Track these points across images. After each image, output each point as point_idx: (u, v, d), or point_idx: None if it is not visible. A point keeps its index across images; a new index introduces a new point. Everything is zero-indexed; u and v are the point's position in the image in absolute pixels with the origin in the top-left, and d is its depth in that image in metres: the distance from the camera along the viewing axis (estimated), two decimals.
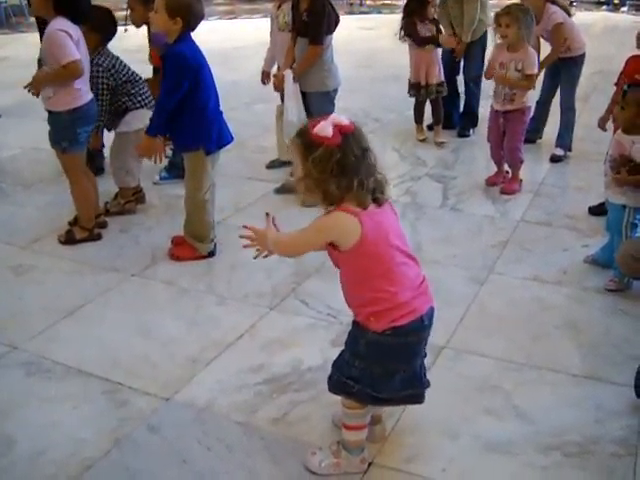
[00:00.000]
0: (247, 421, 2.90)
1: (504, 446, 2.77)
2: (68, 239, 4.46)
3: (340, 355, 2.61)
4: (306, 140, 2.32)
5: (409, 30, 6.27)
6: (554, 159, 6.01)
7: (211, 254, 4.32)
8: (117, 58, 4.70)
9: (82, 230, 4.46)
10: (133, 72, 4.77)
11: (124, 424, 2.87)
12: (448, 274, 4.09)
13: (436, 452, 2.74)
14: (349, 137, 2.30)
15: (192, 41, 3.96)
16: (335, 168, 2.28)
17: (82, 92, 4.22)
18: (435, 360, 3.30)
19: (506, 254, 4.36)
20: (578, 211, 4.95)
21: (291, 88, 5.02)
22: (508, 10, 5.10)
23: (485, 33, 6.49)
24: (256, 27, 12.67)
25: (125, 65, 4.74)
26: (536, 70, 5.19)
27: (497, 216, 4.93)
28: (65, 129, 4.24)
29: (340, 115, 2.35)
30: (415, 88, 6.45)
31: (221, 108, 4.17)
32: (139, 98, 4.74)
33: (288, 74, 5.05)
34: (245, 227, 2.60)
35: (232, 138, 4.24)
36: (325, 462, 2.64)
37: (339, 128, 2.29)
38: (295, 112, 5.00)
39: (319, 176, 2.29)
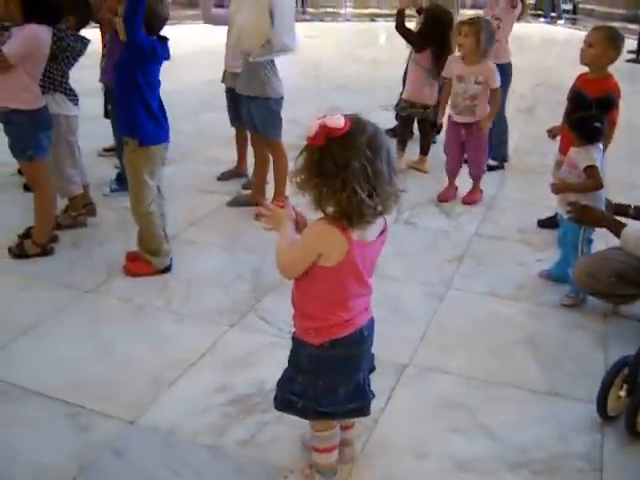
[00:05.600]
0: (215, 444, 2.86)
1: (473, 464, 2.79)
2: (20, 253, 4.34)
3: (284, 372, 2.60)
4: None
5: None
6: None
7: (167, 269, 4.26)
8: (73, 47, 4.51)
9: (35, 245, 4.34)
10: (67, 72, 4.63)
11: (88, 449, 2.80)
12: (406, 290, 4.12)
13: (407, 473, 2.75)
14: (334, 142, 2.15)
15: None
16: (315, 168, 2.17)
17: (39, 95, 4.18)
18: (399, 379, 3.31)
19: (462, 269, 4.41)
20: (529, 225, 5.04)
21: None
22: (471, 20, 5.19)
23: None
24: (199, 33, 12.57)
25: (72, 59, 4.59)
26: (498, 84, 5.26)
27: (451, 230, 4.98)
28: (26, 135, 4.16)
29: (339, 116, 2.17)
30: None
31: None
32: (66, 84, 4.63)
33: None
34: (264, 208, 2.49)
35: (168, 139, 4.17)
36: None
37: (326, 130, 2.15)
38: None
39: (305, 175, 2.20)
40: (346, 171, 2.15)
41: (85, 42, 4.57)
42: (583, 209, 3.77)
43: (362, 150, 2.15)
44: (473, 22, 5.15)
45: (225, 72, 5.62)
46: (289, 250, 2.38)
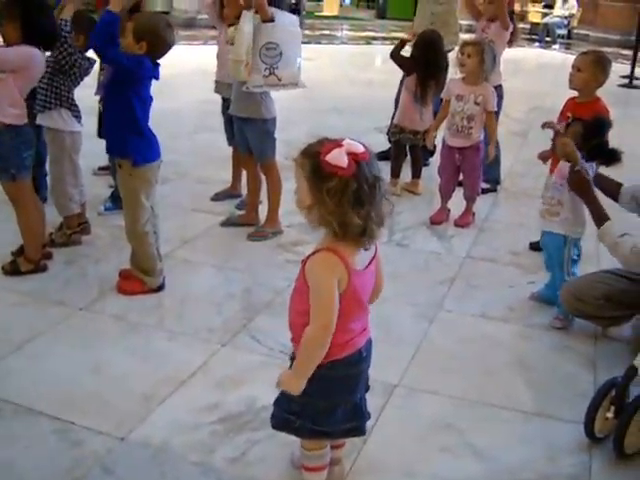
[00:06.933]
0: (204, 461, 2.87)
1: None
2: (12, 270, 4.35)
3: (281, 391, 2.60)
4: (316, 166, 2.20)
5: None
6: None
7: (160, 288, 4.27)
8: (81, 64, 4.59)
9: (27, 262, 4.35)
10: (73, 89, 4.70)
11: (79, 465, 2.80)
12: (397, 311, 4.13)
13: None
14: (363, 165, 2.20)
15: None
16: (352, 199, 2.18)
17: (23, 113, 4.17)
18: (388, 399, 3.32)
19: (453, 291, 4.43)
20: (521, 247, 5.08)
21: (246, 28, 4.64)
22: (476, 41, 5.26)
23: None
24: (195, 54, 12.66)
25: (80, 77, 4.67)
26: (495, 109, 5.35)
27: (443, 252, 5.01)
28: (10, 154, 4.15)
29: (354, 141, 2.24)
30: None
31: (161, 136, 4.18)
32: (72, 100, 4.67)
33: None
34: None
35: (160, 157, 4.16)
36: None
37: (353, 157, 2.18)
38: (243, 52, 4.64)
39: (336, 209, 2.19)
40: (376, 190, 2.24)
41: (92, 62, 4.65)
42: (580, 175, 3.76)
43: (378, 166, 2.28)
44: (477, 43, 5.23)
45: (217, 82, 5.65)
46: (314, 316, 2.35)
